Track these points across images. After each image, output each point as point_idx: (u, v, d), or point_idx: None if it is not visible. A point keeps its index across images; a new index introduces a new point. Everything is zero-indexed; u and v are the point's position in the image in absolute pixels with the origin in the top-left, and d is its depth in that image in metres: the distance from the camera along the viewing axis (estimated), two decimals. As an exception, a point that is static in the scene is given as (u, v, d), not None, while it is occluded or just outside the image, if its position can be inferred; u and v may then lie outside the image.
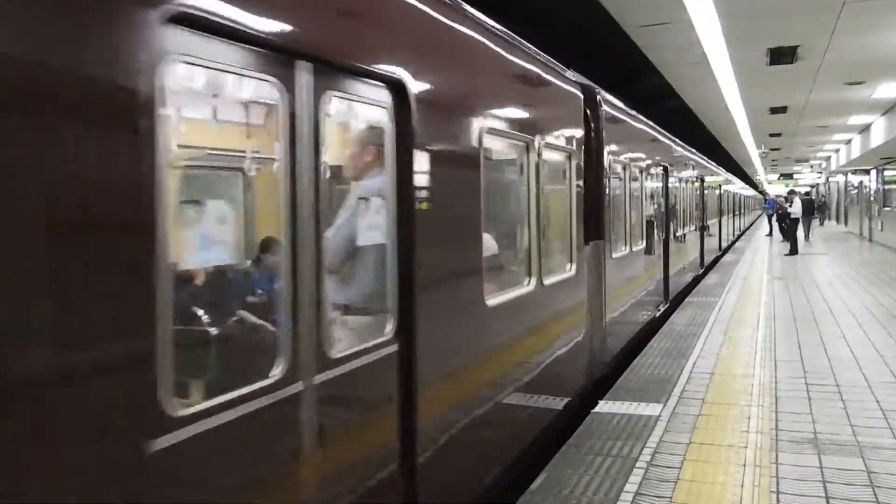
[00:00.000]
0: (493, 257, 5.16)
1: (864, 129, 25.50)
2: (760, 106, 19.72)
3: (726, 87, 16.43)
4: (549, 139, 5.98)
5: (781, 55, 12.74)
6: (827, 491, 4.62)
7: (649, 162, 11.30)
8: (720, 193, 24.20)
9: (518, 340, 5.35)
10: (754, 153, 36.02)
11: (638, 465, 5.09)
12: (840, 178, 43.06)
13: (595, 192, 7.59)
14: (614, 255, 8.42)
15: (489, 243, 5.10)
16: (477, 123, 4.47)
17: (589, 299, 7.27)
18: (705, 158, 20.57)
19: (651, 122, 11.64)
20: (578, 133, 6.99)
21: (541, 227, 5.75)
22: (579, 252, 6.86)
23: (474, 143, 4.44)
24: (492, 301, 4.76)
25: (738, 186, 37.52)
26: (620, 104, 9.22)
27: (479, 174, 4.48)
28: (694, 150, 17.61)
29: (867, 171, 31.49)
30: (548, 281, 5.86)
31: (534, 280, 5.60)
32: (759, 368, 7.79)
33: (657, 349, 8.87)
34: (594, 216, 7.56)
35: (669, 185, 13.20)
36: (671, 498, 4.55)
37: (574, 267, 6.69)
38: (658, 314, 11.65)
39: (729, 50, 12.54)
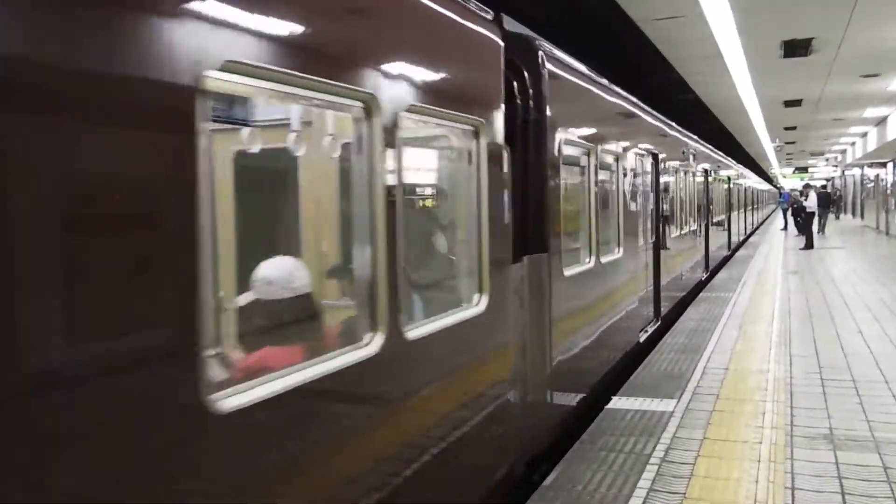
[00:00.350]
0: (292, 303, 3.28)
1: (881, 122, 25.26)
2: (775, 99, 19.60)
3: (740, 81, 16.32)
4: (423, 102, 3.58)
5: (796, 48, 12.65)
6: (843, 487, 4.58)
7: (630, 147, 8.69)
8: (729, 187, 22.80)
9: (325, 460, 2.82)
10: (769, 147, 35.78)
11: (651, 461, 5.07)
12: (856, 172, 42.67)
13: (534, 187, 5.38)
14: (569, 273, 6.04)
15: (292, 275, 3.33)
16: (185, 50, 2.13)
17: (519, 341, 5.00)
18: (711, 148, 18.95)
19: (635, 100, 9.33)
20: (493, 98, 4.48)
21: (398, 242, 3.29)
22: (499, 275, 4.50)
23: (173, 92, 2.11)
24: (236, 401, 2.32)
25: (751, 180, 37.06)
26: (583, 69, 6.84)
27: (192, 155, 2.16)
28: (697, 138, 15.54)
29: (884, 164, 31.20)
30: (417, 332, 3.47)
31: (381, 335, 3.15)
32: (773, 364, 7.73)
33: (671, 345, 8.83)
34: (533, 220, 5.35)
35: (662, 177, 10.68)
36: (685, 494, 4.52)
37: (485, 298, 4.27)
38: (643, 338, 9.15)
39: (742, 43, 12.46)
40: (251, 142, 3.58)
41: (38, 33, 1.75)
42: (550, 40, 5.84)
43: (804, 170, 57.58)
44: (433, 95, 3.77)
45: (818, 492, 4.52)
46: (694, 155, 14.36)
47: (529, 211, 5.31)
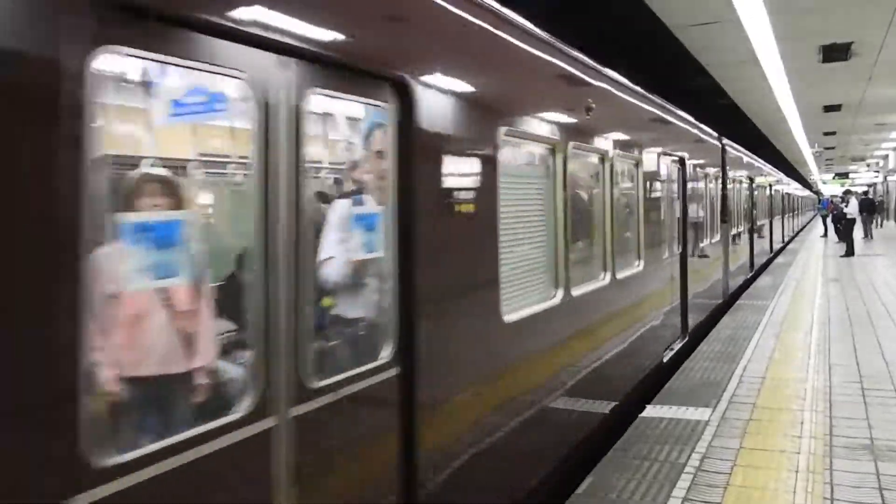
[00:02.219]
0: None
1: (924, 127, 24.72)
2: (813, 104, 19.31)
3: (777, 86, 16.12)
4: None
5: (834, 52, 12.46)
6: (884, 498, 4.50)
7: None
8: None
9: None
10: (808, 152, 35.18)
11: (686, 469, 5.03)
12: (899, 177, 41.73)
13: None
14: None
15: None
16: None
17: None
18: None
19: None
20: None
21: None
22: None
23: None
24: None
25: (794, 188, 36.16)
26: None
27: None
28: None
29: (927, 170, 30.47)
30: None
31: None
32: (812, 372, 7.61)
33: (706, 353, 8.73)
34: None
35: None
36: None
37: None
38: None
39: (779, 48, 12.32)
40: None
41: None
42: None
43: (845, 175, 56.42)
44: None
45: (858, 503, 4.45)
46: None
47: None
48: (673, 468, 5.06)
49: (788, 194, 34.45)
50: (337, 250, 3.26)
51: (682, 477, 4.90)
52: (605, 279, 6.11)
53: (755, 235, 18.72)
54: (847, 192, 27.53)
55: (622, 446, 5.53)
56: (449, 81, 3.63)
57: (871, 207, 30.15)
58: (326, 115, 3.91)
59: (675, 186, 9.32)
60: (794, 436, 5.65)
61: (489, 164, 4.01)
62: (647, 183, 7.56)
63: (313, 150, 3.57)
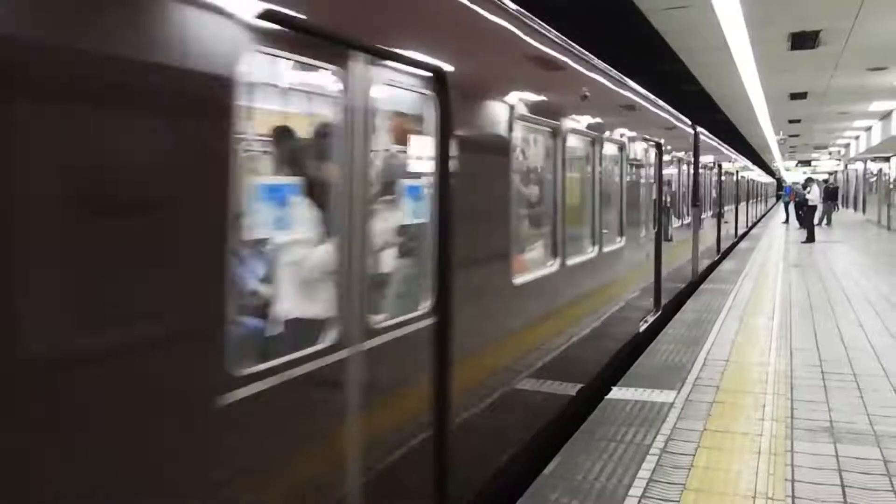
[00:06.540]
0: None
1: (886, 116, 25.18)
2: (780, 91, 19.52)
3: (746, 73, 16.25)
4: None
5: (803, 40, 12.58)
6: (843, 479, 4.59)
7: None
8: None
9: None
10: (772, 139, 35.66)
11: (651, 451, 5.07)
12: (859, 166, 42.53)
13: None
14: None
15: None
16: None
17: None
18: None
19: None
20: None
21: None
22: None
23: None
24: None
25: (757, 174, 36.41)
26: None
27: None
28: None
29: (887, 159, 31.10)
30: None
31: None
32: (774, 356, 7.73)
33: (671, 336, 8.82)
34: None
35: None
36: (685, 485, 4.53)
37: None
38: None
39: (749, 34, 12.39)
40: None
41: None
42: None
43: (807, 163, 57.34)
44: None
45: (818, 484, 4.53)
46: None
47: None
48: (638, 450, 5.10)
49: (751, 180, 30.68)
50: None
51: (647, 458, 4.94)
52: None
53: None
54: (809, 180, 27.94)
55: (588, 428, 5.55)
56: None
57: (835, 196, 30.77)
58: None
59: None
60: (756, 418, 5.74)
61: None
62: None
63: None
